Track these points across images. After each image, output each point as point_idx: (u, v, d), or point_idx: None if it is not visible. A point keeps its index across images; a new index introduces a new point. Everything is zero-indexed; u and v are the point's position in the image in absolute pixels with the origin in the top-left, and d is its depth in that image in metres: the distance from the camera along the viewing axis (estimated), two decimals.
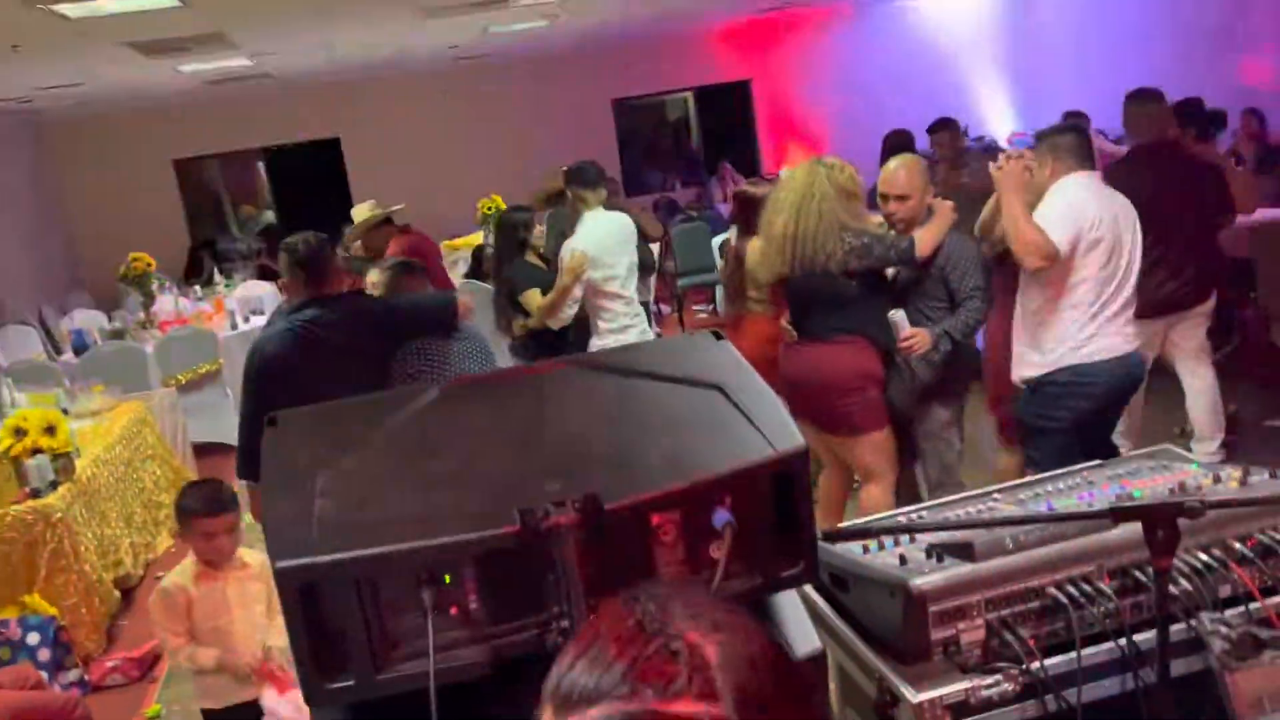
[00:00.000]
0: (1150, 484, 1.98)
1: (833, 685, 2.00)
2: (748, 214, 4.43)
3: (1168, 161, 4.37)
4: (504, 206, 8.51)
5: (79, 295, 10.51)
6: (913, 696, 1.67)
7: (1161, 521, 1.37)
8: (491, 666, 1.25)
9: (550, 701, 0.76)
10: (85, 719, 3.28)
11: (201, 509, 2.89)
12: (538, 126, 11.87)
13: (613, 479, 1.28)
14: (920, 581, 1.73)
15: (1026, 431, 3.55)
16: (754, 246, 3.94)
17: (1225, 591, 1.79)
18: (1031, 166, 3.45)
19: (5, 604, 4.06)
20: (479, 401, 1.53)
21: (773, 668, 0.75)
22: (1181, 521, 1.60)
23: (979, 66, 13.08)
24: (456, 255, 8.67)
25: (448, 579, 1.24)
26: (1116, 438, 3.81)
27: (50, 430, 4.15)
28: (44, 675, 3.61)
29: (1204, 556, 1.78)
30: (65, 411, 4.93)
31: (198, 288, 9.61)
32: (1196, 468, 2.08)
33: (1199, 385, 4.38)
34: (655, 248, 7.73)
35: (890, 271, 3.66)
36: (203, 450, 6.62)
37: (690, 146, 14.23)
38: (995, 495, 2.16)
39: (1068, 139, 3.45)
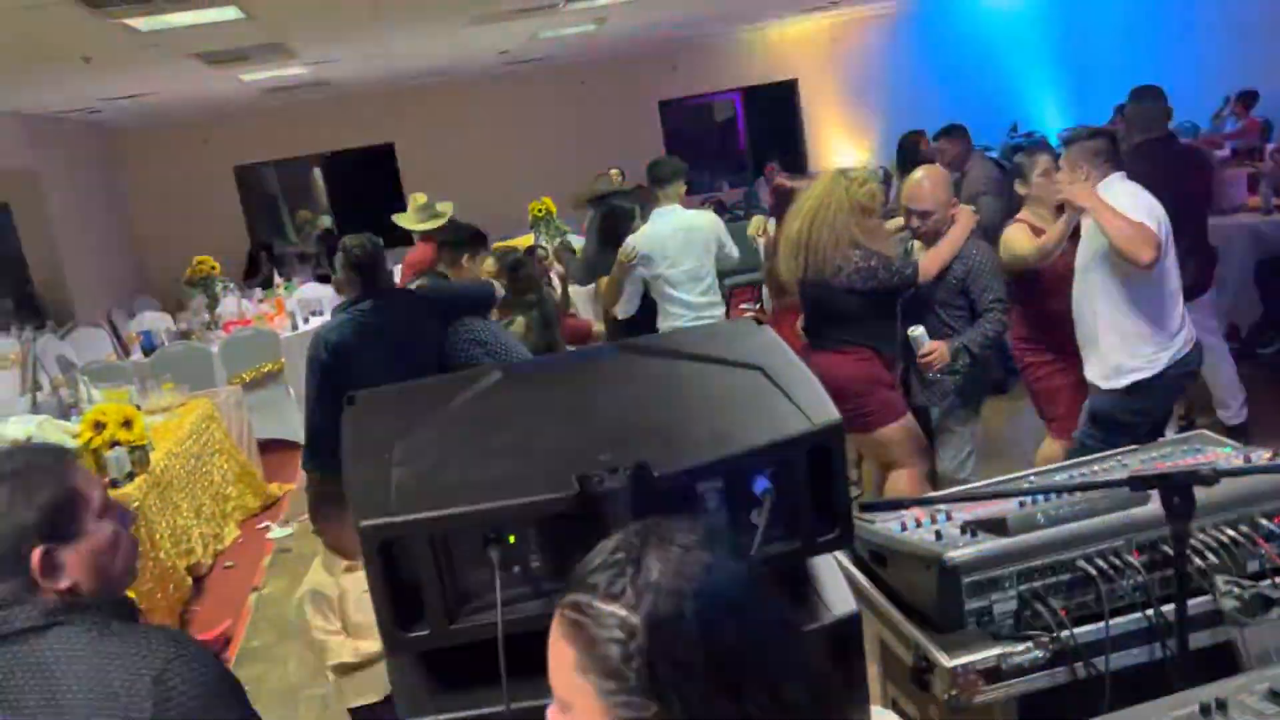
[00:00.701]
0: (1181, 465, 2.05)
1: (874, 659, 2.09)
2: (784, 207, 4.54)
3: (1167, 155, 4.48)
4: (554, 208, 8.68)
5: (144, 298, 10.88)
6: (947, 662, 1.76)
7: (1177, 489, 1.45)
8: (550, 618, 1.37)
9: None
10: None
11: None
12: (586, 129, 12.04)
13: (661, 450, 1.39)
14: (955, 554, 1.82)
15: (1111, 429, 3.46)
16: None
17: (1254, 567, 1.86)
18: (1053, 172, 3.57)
19: None
20: (536, 382, 1.66)
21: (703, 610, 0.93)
22: (1210, 498, 1.68)
23: (1028, 63, 12.99)
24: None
25: (511, 539, 1.35)
26: None
27: (127, 424, 4.37)
28: None
29: (1231, 532, 1.85)
30: (138, 408, 5.16)
31: (258, 290, 9.91)
32: (1229, 450, 2.14)
33: (1211, 358, 4.43)
34: None
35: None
36: (266, 446, 6.86)
37: (737, 147, 14.32)
38: (1031, 478, 2.24)
39: (1101, 143, 3.52)
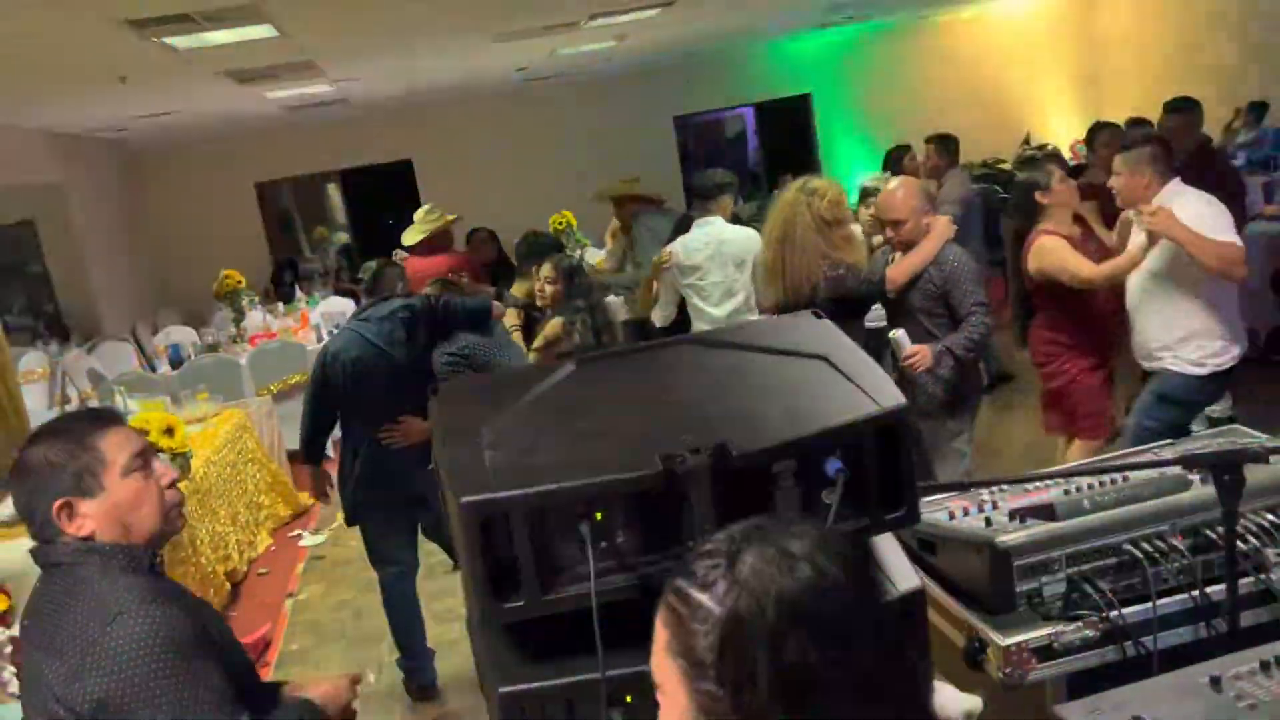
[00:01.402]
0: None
1: None
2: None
3: (1208, 166, 4.59)
4: (574, 221, 8.79)
5: (168, 312, 11.01)
6: (1001, 640, 1.83)
7: (1228, 468, 1.52)
8: (636, 591, 1.45)
9: None
10: None
11: None
12: (601, 144, 12.16)
13: (738, 432, 1.47)
14: (1006, 539, 1.90)
15: (1178, 410, 3.67)
16: None
17: None
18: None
19: None
20: (610, 372, 1.75)
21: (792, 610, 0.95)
22: (1251, 485, 1.75)
23: (1042, 73, 13.09)
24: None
25: (599, 516, 1.44)
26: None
27: (169, 431, 4.46)
28: None
29: (1271, 517, 1.92)
30: None
31: (280, 305, 10.04)
32: (1264, 440, 2.22)
33: None
34: None
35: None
36: (295, 456, 6.95)
37: (750, 161, 14.43)
38: (1074, 466, 2.32)
39: (1159, 149, 3.62)
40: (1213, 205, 3.49)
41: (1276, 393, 5.24)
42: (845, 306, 3.62)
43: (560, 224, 8.90)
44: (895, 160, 7.41)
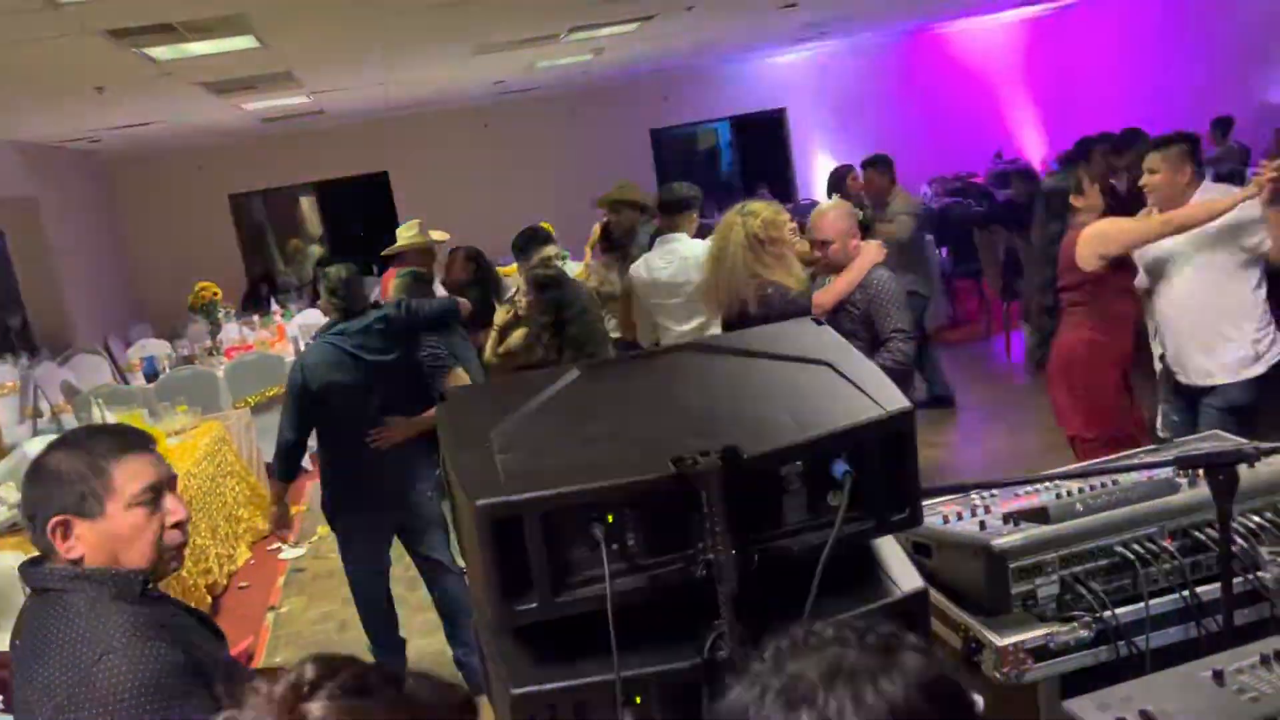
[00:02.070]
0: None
1: None
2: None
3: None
4: (553, 234, 8.80)
5: (140, 325, 10.91)
6: (998, 641, 1.87)
7: (1222, 468, 1.57)
8: (648, 592, 1.47)
9: None
10: None
11: None
12: (579, 157, 12.21)
13: (747, 435, 1.49)
14: (1001, 542, 1.93)
15: (1250, 417, 3.67)
16: None
17: None
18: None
19: None
20: (617, 378, 1.77)
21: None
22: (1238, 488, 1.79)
23: (1011, 91, 13.29)
24: (507, 282, 8.94)
25: (610, 518, 1.46)
26: None
27: None
28: None
29: (1256, 519, 1.97)
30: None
31: (256, 317, 9.97)
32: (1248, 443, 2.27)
33: None
34: None
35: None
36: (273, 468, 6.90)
37: (726, 174, 14.52)
38: (1071, 469, 2.36)
39: (1191, 147, 3.69)
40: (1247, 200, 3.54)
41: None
42: (775, 323, 3.63)
43: None
44: (838, 179, 7.48)
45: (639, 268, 4.70)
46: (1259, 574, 1.81)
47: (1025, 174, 10.36)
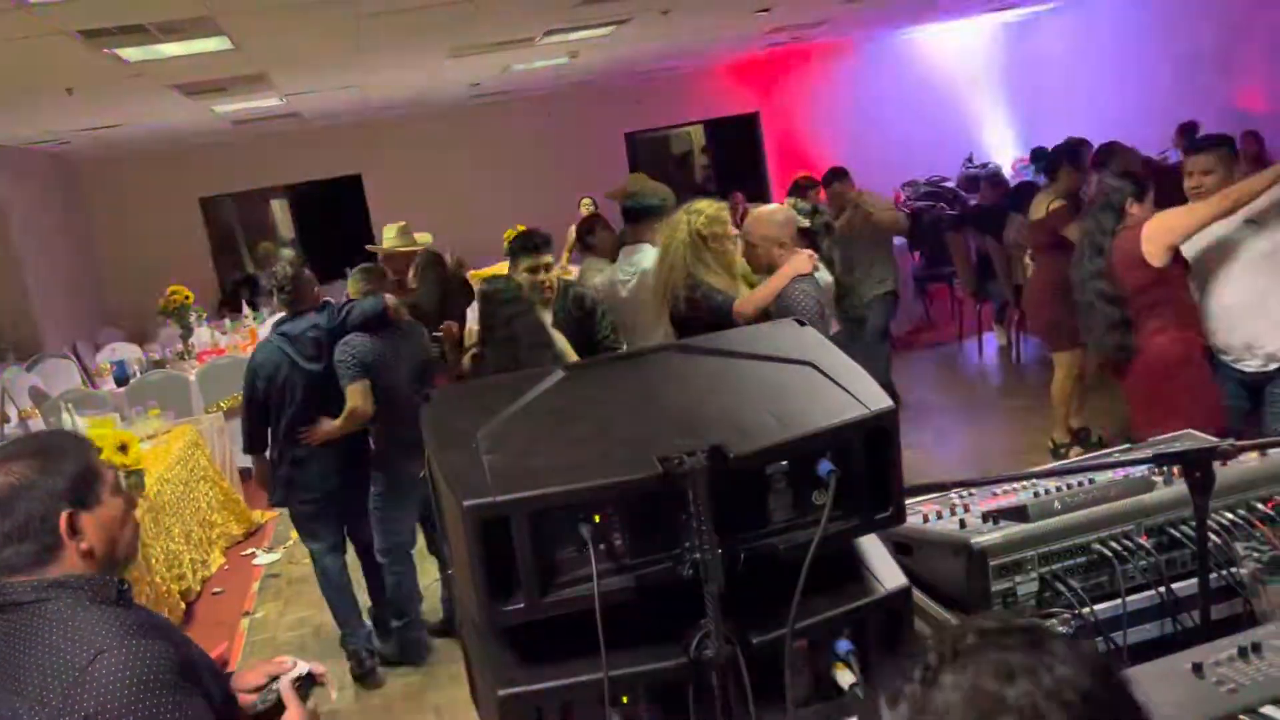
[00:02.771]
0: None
1: None
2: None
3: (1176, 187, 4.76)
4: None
5: (110, 330, 10.78)
6: None
7: (1199, 464, 1.59)
8: (635, 592, 1.47)
9: None
10: None
11: None
12: (554, 160, 12.21)
13: (732, 435, 1.50)
14: (981, 540, 1.95)
15: None
16: None
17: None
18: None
19: None
20: (601, 378, 1.77)
21: None
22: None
23: (981, 95, 13.43)
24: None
25: (597, 518, 1.46)
26: None
27: (123, 448, 4.38)
28: None
29: (1230, 515, 2.00)
30: None
31: (227, 320, 9.89)
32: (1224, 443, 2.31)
33: None
34: None
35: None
36: (246, 474, 6.84)
37: (700, 177, 14.57)
38: (1053, 466, 2.39)
39: (1230, 147, 3.76)
40: None
41: None
42: (700, 325, 3.50)
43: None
44: (803, 188, 7.45)
45: (605, 280, 4.54)
46: (1233, 570, 1.84)
47: (994, 178, 10.48)
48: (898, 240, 8.30)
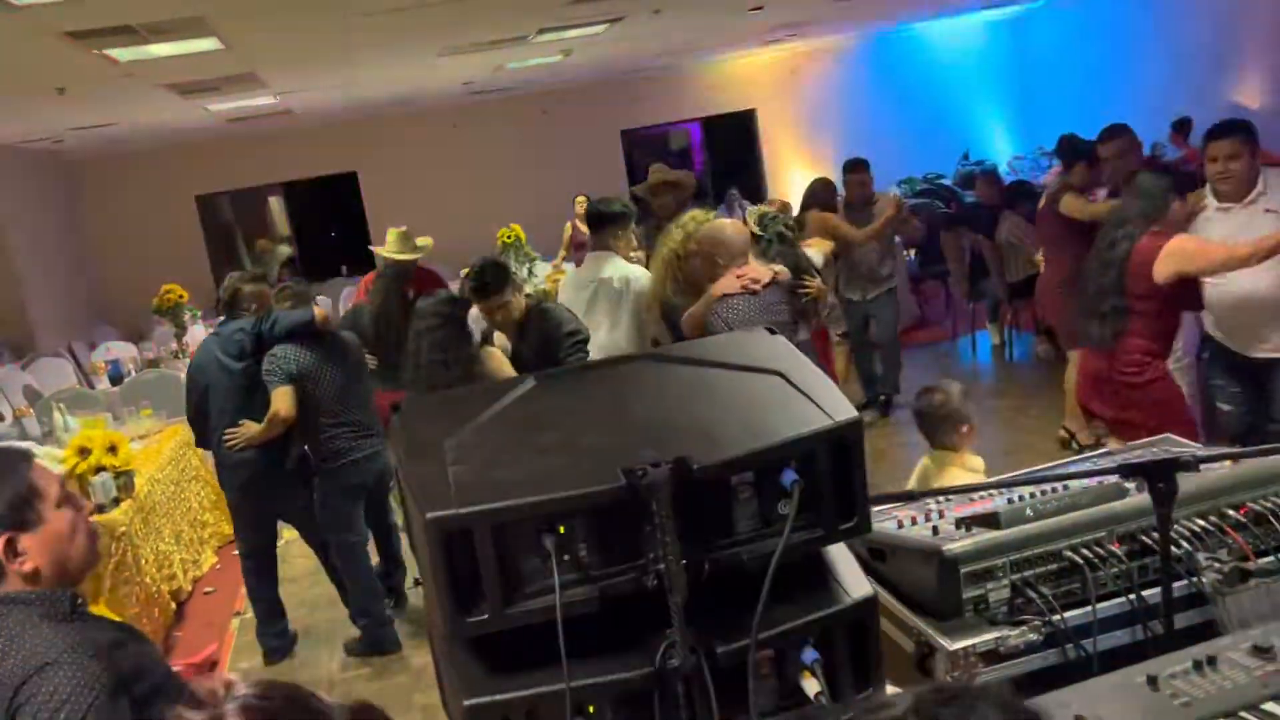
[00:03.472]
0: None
1: None
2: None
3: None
4: (523, 235, 8.80)
5: (105, 328, 10.79)
6: (949, 645, 1.89)
7: (1161, 475, 1.60)
8: (598, 603, 1.48)
9: None
10: None
11: None
12: (549, 158, 12.20)
13: (697, 445, 1.51)
14: (953, 547, 1.96)
15: None
16: None
17: (1223, 555, 2.01)
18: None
19: None
20: (570, 388, 1.78)
21: None
22: (1182, 492, 1.83)
23: (977, 92, 13.42)
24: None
25: (561, 530, 1.47)
26: None
27: (112, 450, 4.39)
28: None
29: (1202, 522, 2.01)
30: None
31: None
32: (1197, 450, 2.31)
33: (1191, 374, 4.70)
34: None
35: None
36: None
37: (697, 175, 14.56)
38: (1020, 475, 2.40)
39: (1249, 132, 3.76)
40: None
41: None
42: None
43: (509, 237, 8.91)
44: (827, 193, 7.45)
45: (566, 283, 4.57)
46: (1198, 578, 1.85)
47: (991, 175, 10.48)
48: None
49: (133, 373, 7.53)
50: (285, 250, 13.83)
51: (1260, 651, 1.36)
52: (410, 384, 3.85)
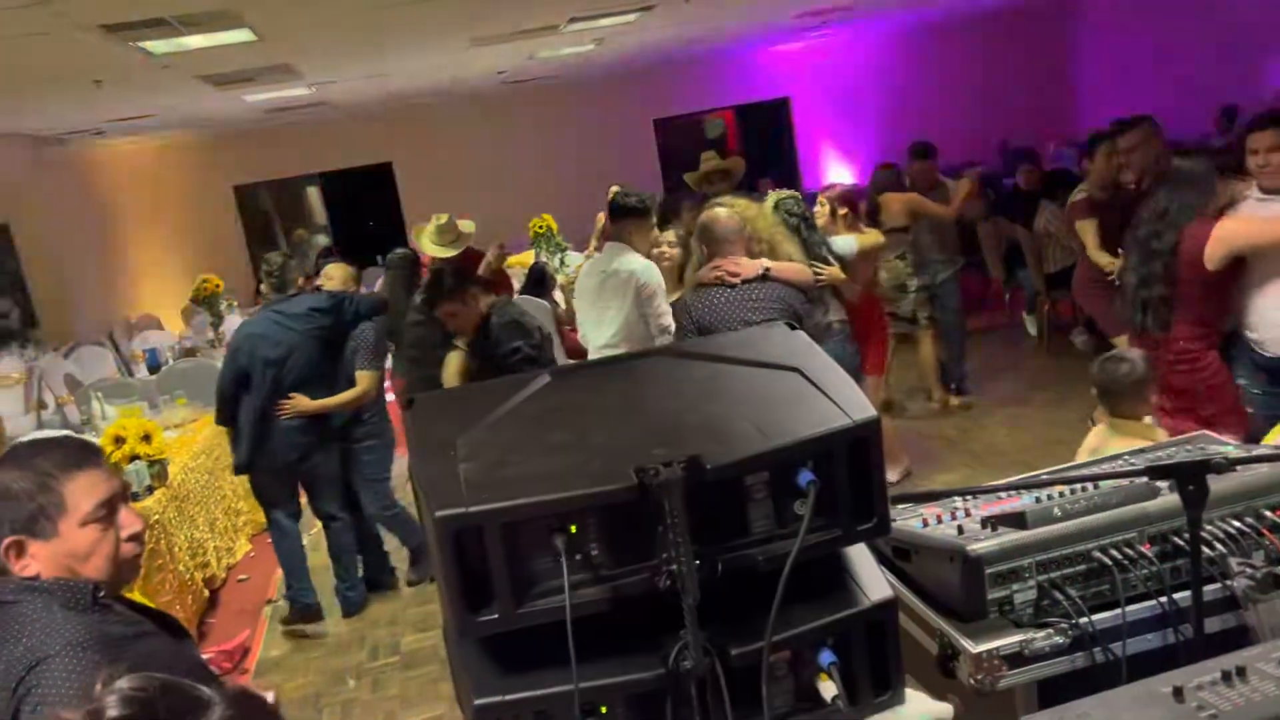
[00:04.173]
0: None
1: None
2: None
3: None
4: (554, 225, 8.79)
5: (145, 317, 10.94)
6: (972, 648, 1.85)
7: (1192, 477, 1.55)
8: (610, 604, 1.46)
9: None
10: None
11: None
12: (582, 147, 12.19)
13: (711, 444, 1.48)
14: (978, 547, 1.92)
15: None
16: None
17: (1259, 559, 1.95)
18: None
19: None
20: (584, 386, 1.75)
21: None
22: (1218, 491, 1.78)
23: (1015, 80, 13.19)
24: (509, 274, 8.93)
25: (573, 529, 1.45)
26: None
27: (147, 438, 4.44)
28: None
29: (1237, 524, 1.95)
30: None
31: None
32: (1231, 449, 2.25)
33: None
34: None
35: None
36: None
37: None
38: (1043, 476, 2.35)
39: None
40: None
41: None
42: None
43: (540, 227, 8.91)
44: (895, 178, 7.41)
45: (584, 270, 4.65)
46: (1232, 581, 1.80)
47: (1031, 162, 10.30)
48: None
49: (170, 361, 7.62)
50: (322, 240, 13.95)
51: None
52: (403, 374, 4.28)
